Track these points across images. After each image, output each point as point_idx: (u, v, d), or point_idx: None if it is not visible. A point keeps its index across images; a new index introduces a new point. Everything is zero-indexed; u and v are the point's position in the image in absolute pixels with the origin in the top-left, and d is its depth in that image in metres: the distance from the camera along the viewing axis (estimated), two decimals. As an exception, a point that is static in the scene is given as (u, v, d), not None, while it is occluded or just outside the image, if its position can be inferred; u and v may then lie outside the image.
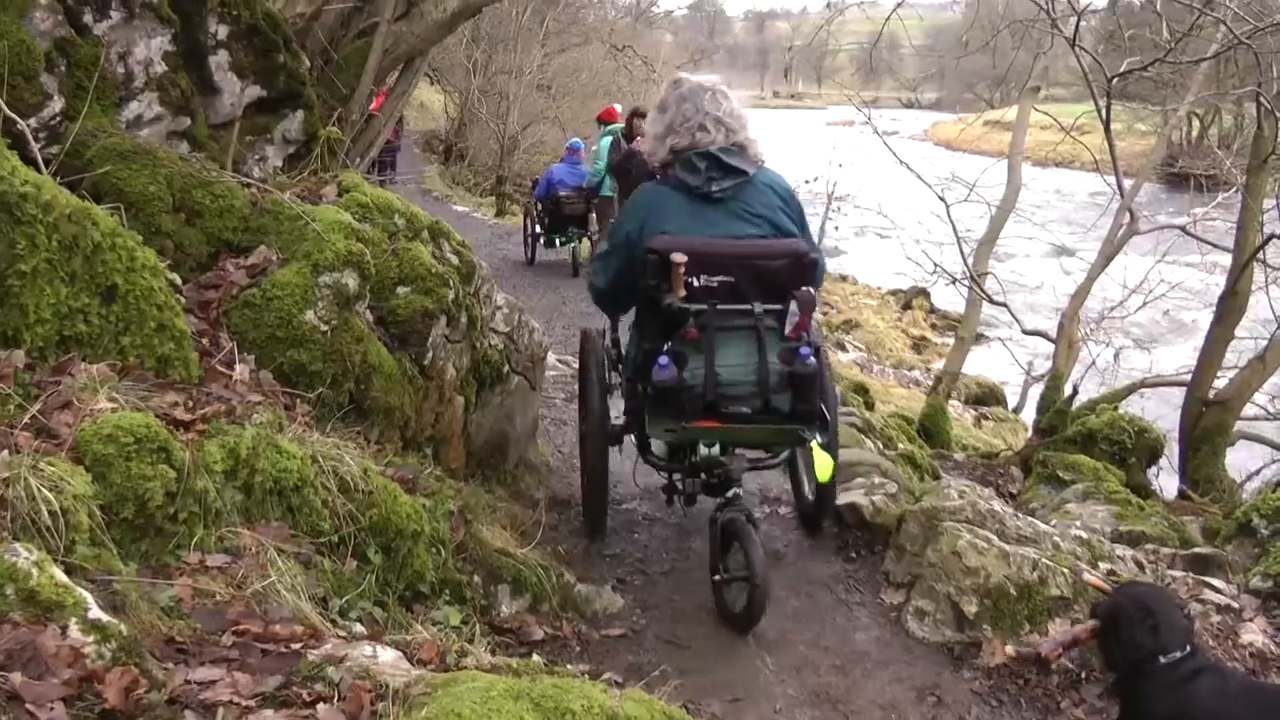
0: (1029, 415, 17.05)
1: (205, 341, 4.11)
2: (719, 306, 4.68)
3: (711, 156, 4.85)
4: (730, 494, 4.99)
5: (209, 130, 5.16)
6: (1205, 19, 10.57)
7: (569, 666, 4.11)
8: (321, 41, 6.57)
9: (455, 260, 5.47)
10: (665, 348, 4.71)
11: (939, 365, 22.85)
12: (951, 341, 23.98)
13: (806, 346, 4.69)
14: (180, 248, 4.39)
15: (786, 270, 4.75)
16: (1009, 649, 4.59)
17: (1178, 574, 6.01)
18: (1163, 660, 3.62)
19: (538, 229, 17.69)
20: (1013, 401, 20.06)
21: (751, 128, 5.08)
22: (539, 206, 17.58)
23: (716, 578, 4.97)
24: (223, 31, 5.18)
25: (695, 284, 4.66)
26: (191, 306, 4.25)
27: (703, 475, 5.11)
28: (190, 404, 3.56)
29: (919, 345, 25.38)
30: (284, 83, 5.56)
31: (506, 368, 6.04)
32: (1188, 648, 3.65)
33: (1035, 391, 16.87)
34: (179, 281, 4.15)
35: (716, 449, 4.93)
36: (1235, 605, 5.63)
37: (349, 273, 4.53)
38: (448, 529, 4.29)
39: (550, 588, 4.68)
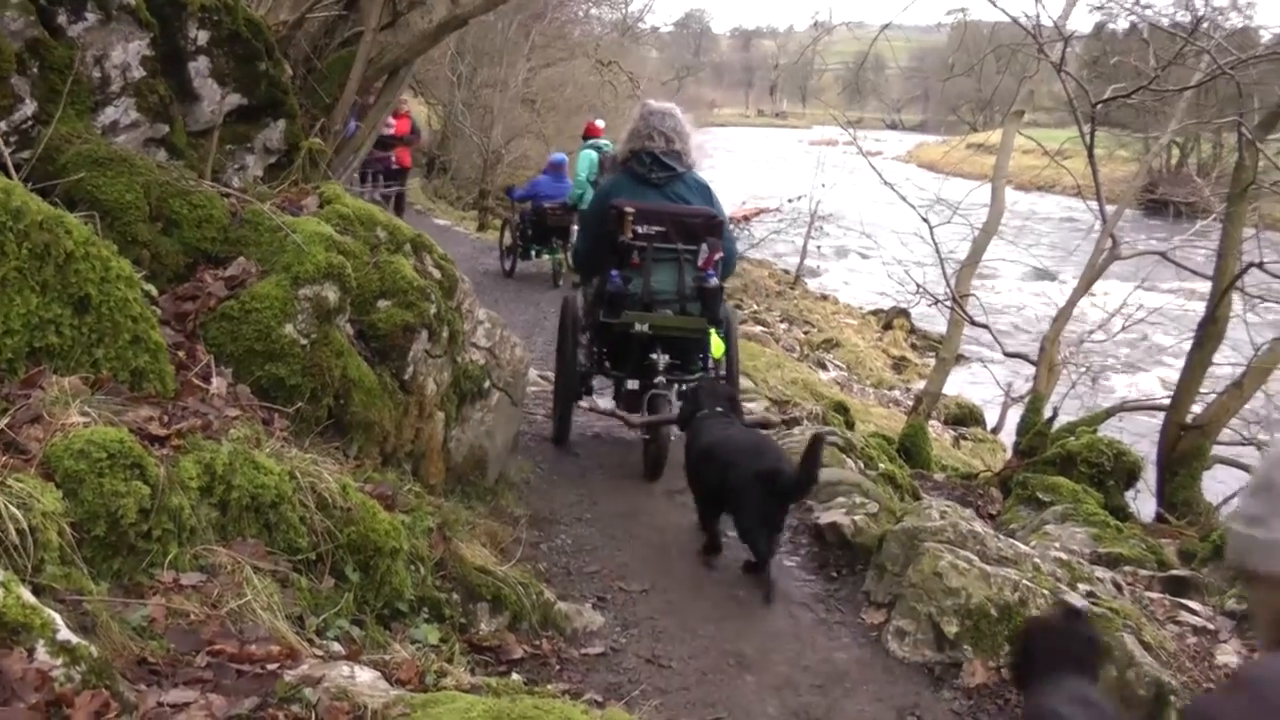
0: (1008, 436, 17.00)
1: (181, 354, 4.04)
2: (655, 245, 7.00)
3: (653, 155, 7.13)
4: (658, 380, 7.10)
5: (188, 138, 5.11)
6: (1189, 48, 10.60)
7: (549, 686, 4.05)
8: (304, 50, 6.52)
9: (437, 274, 5.42)
10: (616, 271, 6.99)
11: (919, 385, 22.81)
12: (932, 362, 23.98)
13: (711, 272, 7.06)
14: (157, 258, 4.33)
15: (701, 225, 7.11)
16: None
17: (1155, 595, 6.02)
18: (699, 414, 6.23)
19: (518, 239, 17.64)
20: (991, 422, 20.07)
21: (691, 141, 7.40)
22: (519, 217, 17.56)
23: (645, 436, 7.28)
24: (203, 37, 5.13)
25: (639, 230, 6.94)
26: (168, 318, 4.20)
27: (638, 361, 7.23)
28: (165, 418, 3.50)
29: (899, 365, 25.33)
30: (265, 91, 5.51)
31: (488, 383, 5.99)
32: (718, 409, 6.24)
33: (1014, 413, 16.84)
34: (155, 293, 4.10)
35: (647, 327, 7.02)
36: (1211, 627, 5.65)
37: (329, 285, 4.47)
38: (427, 546, 4.23)
39: (530, 605, 4.61)
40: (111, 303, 3.55)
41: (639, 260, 6.96)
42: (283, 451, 3.76)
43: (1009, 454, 16.55)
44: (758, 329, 21.58)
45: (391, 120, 18.86)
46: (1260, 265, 9.25)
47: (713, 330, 7.23)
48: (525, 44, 29.65)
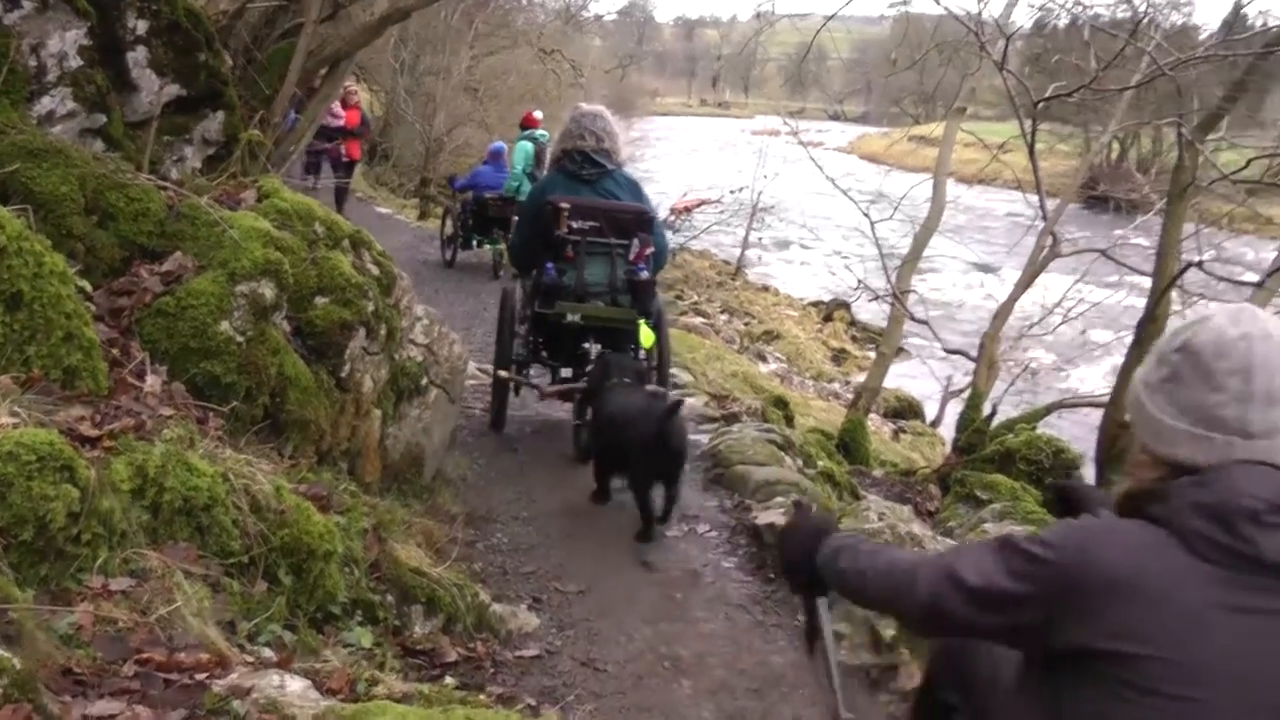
0: (947, 429, 17.13)
1: (116, 351, 3.97)
2: (589, 239, 7.35)
3: (584, 153, 7.47)
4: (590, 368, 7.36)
5: (125, 129, 5.00)
6: (1130, 48, 10.67)
7: (483, 690, 4.04)
8: (245, 40, 6.43)
9: (375, 270, 5.37)
10: (551, 264, 7.37)
11: (859, 378, 22.94)
12: (872, 355, 24.09)
13: (641, 265, 7.37)
14: (92, 251, 4.25)
15: (632, 220, 7.45)
16: None
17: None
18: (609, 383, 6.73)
19: (458, 229, 17.57)
20: (931, 415, 20.18)
21: (620, 140, 7.78)
22: (459, 207, 17.51)
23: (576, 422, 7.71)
24: (142, 27, 5.03)
25: (573, 225, 7.28)
26: (102, 314, 4.13)
27: (571, 350, 7.76)
28: (98, 418, 3.44)
29: (839, 357, 25.43)
30: (204, 82, 5.42)
31: (425, 380, 5.95)
32: (625, 380, 6.78)
33: (954, 407, 16.97)
34: (89, 288, 4.03)
35: (579, 317, 7.38)
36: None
37: (266, 282, 4.42)
38: (361, 547, 4.19)
39: (465, 607, 4.58)
40: (44, 299, 3.48)
41: (573, 254, 7.35)
42: (217, 452, 3.71)
43: (948, 447, 16.68)
44: (698, 320, 21.62)
45: (340, 112, 19.01)
46: (1199, 264, 9.32)
47: (642, 321, 7.44)
48: (468, 32, 29.46)
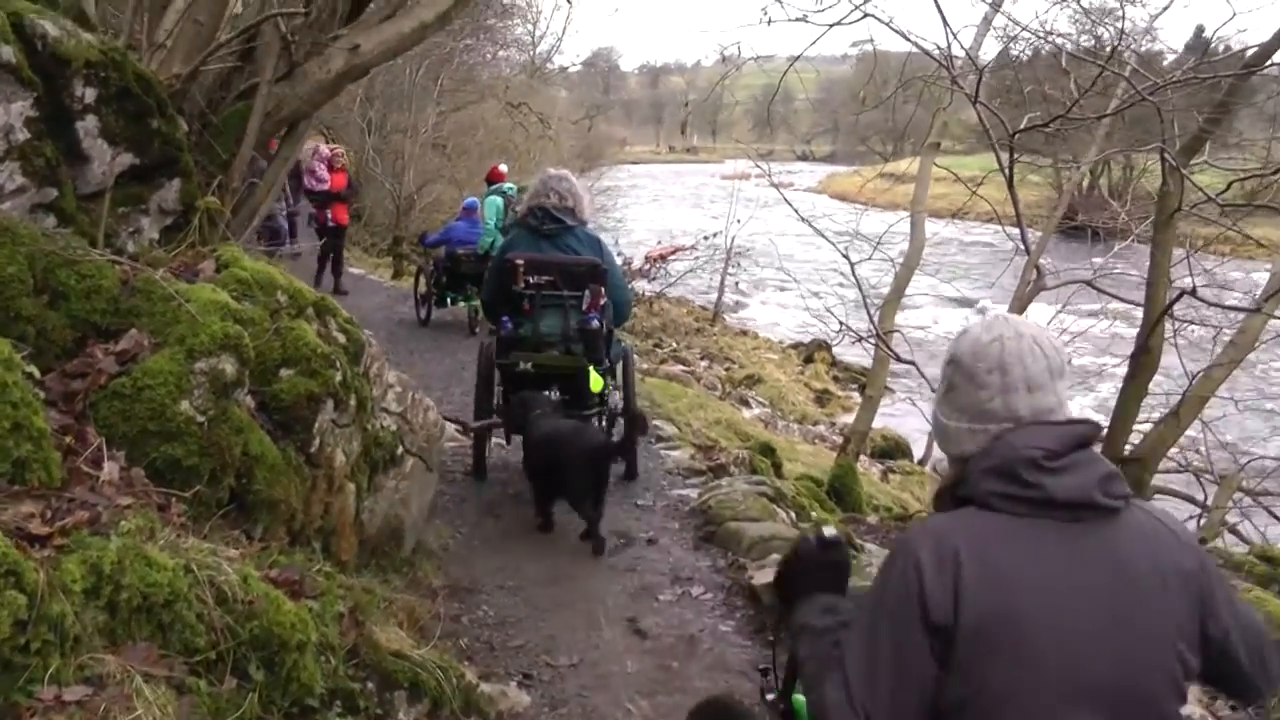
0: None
1: (69, 439, 3.74)
2: (543, 292, 7.85)
3: (545, 210, 7.92)
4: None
5: (78, 201, 4.78)
6: (1106, 75, 10.55)
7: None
8: (199, 104, 6.21)
9: (342, 338, 5.15)
10: (507, 318, 7.98)
11: (843, 419, 22.78)
12: (855, 394, 23.94)
13: (593, 314, 7.80)
14: (42, 334, 4.03)
15: (586, 273, 7.88)
16: None
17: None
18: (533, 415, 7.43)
19: (432, 287, 17.39)
20: (919, 453, 19.99)
21: (583, 198, 8.20)
22: (432, 265, 17.35)
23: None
24: (90, 95, 4.81)
25: (530, 280, 7.80)
26: (55, 399, 3.90)
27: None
28: (49, 514, 3.21)
29: (822, 398, 25.30)
30: (159, 149, 5.20)
31: (400, 449, 5.71)
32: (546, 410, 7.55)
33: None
34: (37, 374, 3.79)
35: (530, 366, 7.95)
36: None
37: (226, 357, 4.20)
38: (337, 633, 3.95)
39: (451, 690, 4.34)
40: (-13, 389, 3.26)
41: (529, 307, 7.92)
42: (178, 542, 3.48)
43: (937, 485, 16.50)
44: (678, 369, 21.45)
45: (325, 175, 18.79)
46: (1193, 293, 9.16)
47: (591, 368, 7.95)
48: (434, 88, 29.40)
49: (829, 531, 2.90)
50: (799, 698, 3.09)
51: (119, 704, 2.82)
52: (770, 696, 3.32)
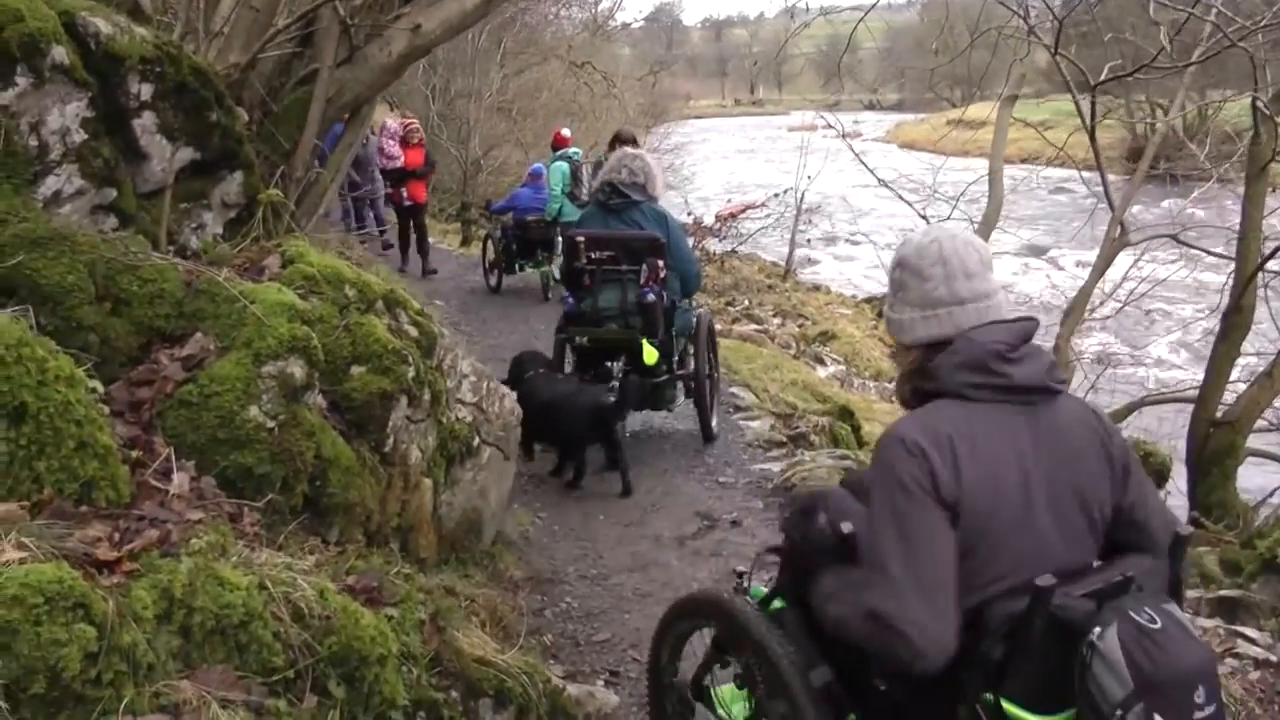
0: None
1: (137, 452, 3.65)
2: (603, 267, 8.20)
3: (613, 186, 8.29)
4: (612, 383, 8.02)
5: (137, 200, 4.70)
6: (1191, 18, 10.21)
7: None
8: (259, 93, 6.11)
9: (414, 331, 5.04)
10: (570, 293, 8.47)
11: (919, 374, 22.41)
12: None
13: (649, 288, 8.08)
14: (106, 342, 3.95)
15: (645, 248, 8.14)
16: None
17: (1208, 624, 5.62)
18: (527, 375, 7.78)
19: (500, 254, 17.29)
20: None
21: (655, 175, 8.51)
22: (499, 231, 17.33)
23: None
24: (146, 91, 4.72)
25: (591, 255, 8.20)
26: (121, 409, 3.82)
27: (596, 366, 8.36)
28: (117, 536, 3.12)
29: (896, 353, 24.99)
30: (219, 142, 5.10)
31: (477, 440, 5.60)
32: (540, 370, 7.93)
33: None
34: (101, 388, 3.70)
35: (585, 340, 8.33)
36: (1274, 658, 5.25)
37: (295, 360, 4.10)
38: (419, 641, 3.85)
39: (536, 695, 4.23)
40: (51, 408, 3.16)
41: (590, 282, 8.30)
42: (251, 557, 3.39)
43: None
44: (751, 328, 21.19)
45: (397, 150, 18.09)
46: (1290, 248, 8.82)
47: (645, 341, 8.16)
48: (497, 51, 29.27)
49: (847, 528, 3.27)
50: (758, 587, 3.81)
51: (196, 732, 2.73)
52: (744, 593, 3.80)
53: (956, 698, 2.87)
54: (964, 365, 2.97)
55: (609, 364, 8.25)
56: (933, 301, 3.08)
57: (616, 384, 7.97)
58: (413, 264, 18.51)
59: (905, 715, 3.13)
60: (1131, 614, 2.64)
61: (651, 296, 8.12)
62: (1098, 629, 2.64)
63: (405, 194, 17.95)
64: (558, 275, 17.02)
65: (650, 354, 8.17)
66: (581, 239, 8.22)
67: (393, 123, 19.08)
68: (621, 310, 8.27)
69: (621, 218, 8.31)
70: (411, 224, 18.52)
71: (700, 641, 4.04)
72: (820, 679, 3.30)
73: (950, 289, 3.06)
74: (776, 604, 3.67)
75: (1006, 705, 2.74)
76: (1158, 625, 2.62)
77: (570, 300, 8.47)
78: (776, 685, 3.40)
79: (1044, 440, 2.96)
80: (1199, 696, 2.59)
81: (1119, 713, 2.58)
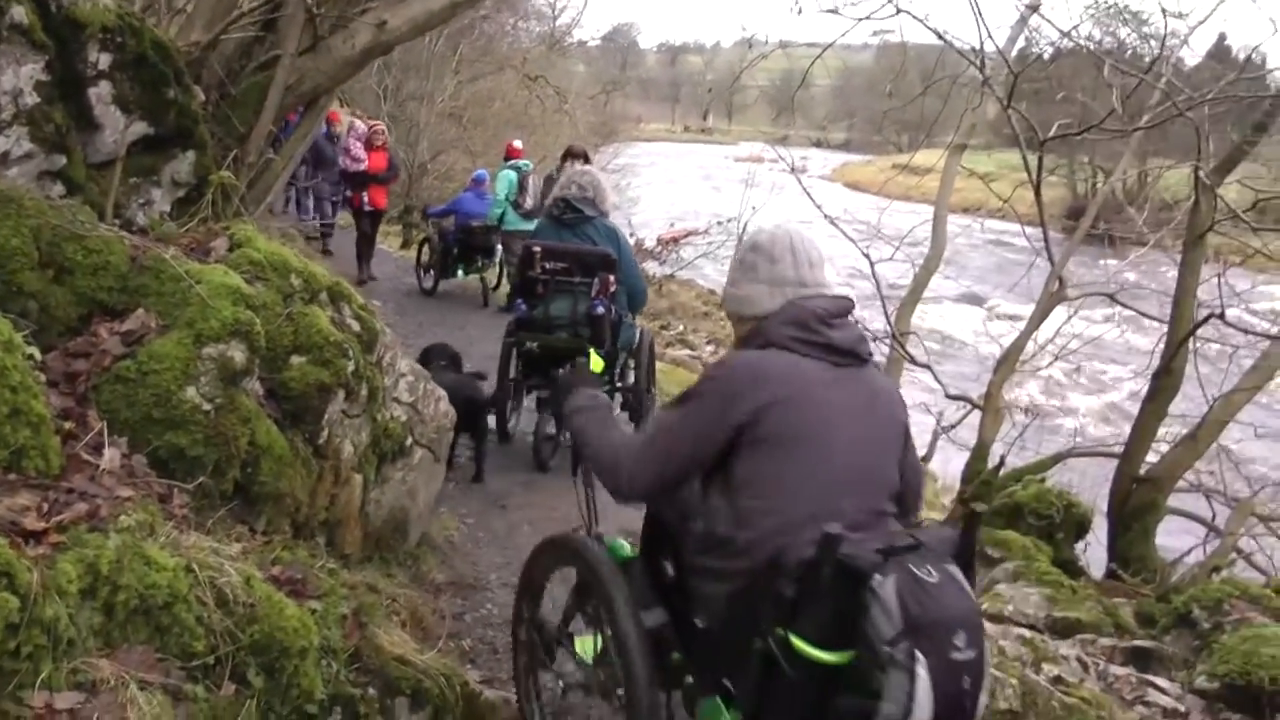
0: (937, 465, 16.79)
1: (70, 424, 3.59)
2: (557, 278, 8.42)
3: (567, 201, 8.60)
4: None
5: (87, 170, 4.64)
6: (1141, 84, 10.34)
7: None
8: (218, 74, 6.04)
9: (356, 326, 5.00)
10: (523, 300, 8.65)
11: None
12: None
13: (599, 300, 8.38)
14: (46, 309, 3.89)
15: (598, 262, 8.43)
16: None
17: (1120, 671, 5.70)
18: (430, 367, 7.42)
19: (438, 257, 17.27)
20: (921, 451, 19.83)
21: (604, 191, 8.85)
22: (438, 235, 17.38)
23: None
24: (105, 61, 4.66)
25: (546, 266, 8.42)
26: (56, 379, 3.76)
27: (544, 373, 8.78)
28: (45, 507, 3.07)
29: (829, 389, 25.13)
30: (174, 119, 5.05)
31: (410, 440, 5.56)
32: (442, 363, 8.18)
33: (944, 445, 16.61)
34: (38, 355, 3.64)
35: (536, 346, 8.60)
36: (1181, 708, 5.36)
37: (236, 344, 4.06)
38: (340, 636, 3.80)
39: (454, 698, 4.20)
40: (-14, 372, 3.11)
41: (543, 291, 8.51)
42: (179, 539, 3.34)
43: (939, 483, 16.32)
44: (684, 353, 21.25)
45: (362, 154, 17.25)
46: (1221, 316, 8.92)
47: (592, 350, 8.28)
48: (453, 58, 29.22)
49: (596, 365, 4.88)
50: (619, 541, 4.19)
51: (112, 711, 2.70)
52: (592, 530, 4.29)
53: (755, 631, 3.16)
54: (790, 322, 3.51)
55: (558, 371, 8.38)
56: (781, 280, 3.61)
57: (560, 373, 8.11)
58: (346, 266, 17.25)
59: (719, 650, 3.50)
60: (912, 567, 2.95)
61: (601, 309, 8.42)
62: (879, 576, 2.93)
63: (366, 199, 17.25)
64: (495, 282, 17.19)
65: (597, 363, 8.02)
66: (538, 249, 8.46)
67: (361, 125, 18.44)
68: (572, 320, 8.52)
69: (575, 232, 8.61)
70: (367, 230, 17.74)
71: (565, 590, 4.40)
72: (653, 620, 3.71)
73: (797, 272, 3.61)
74: (627, 553, 4.09)
75: (795, 640, 3.02)
76: (933, 579, 2.95)
77: (523, 307, 8.68)
78: (613, 623, 3.77)
79: (851, 397, 3.46)
80: (958, 640, 2.92)
81: (888, 649, 2.87)
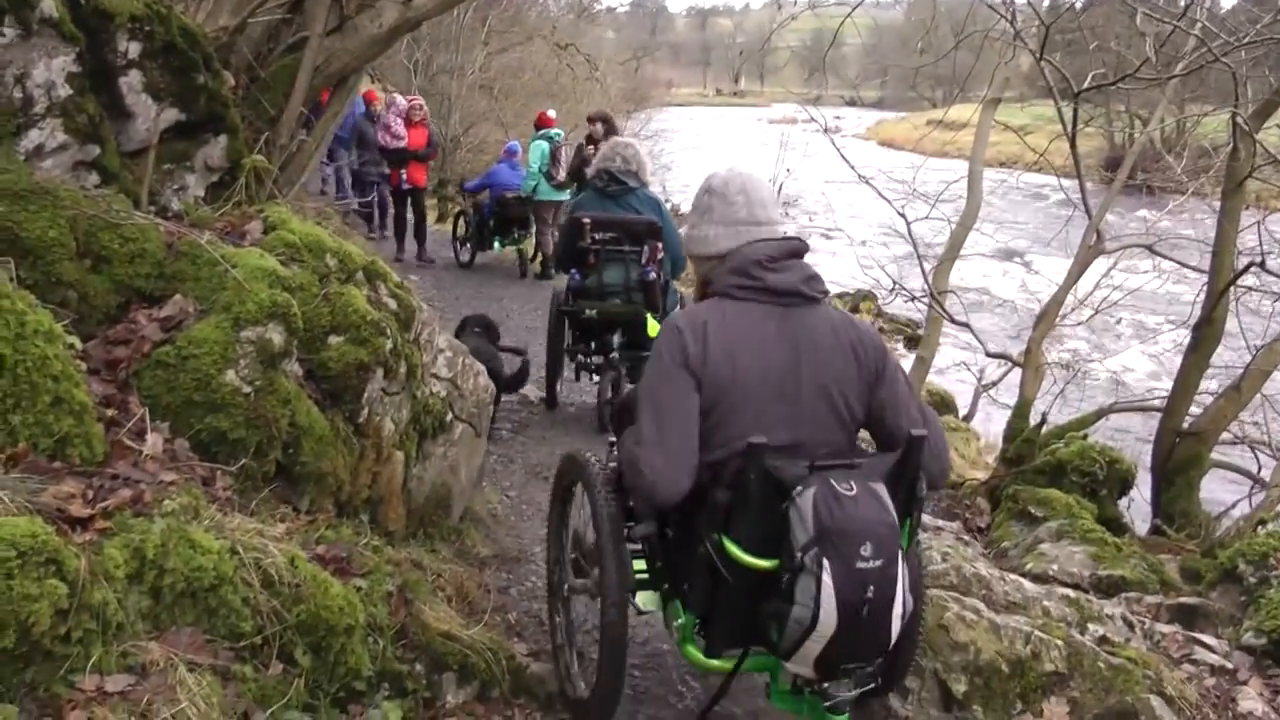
0: (979, 423, 16.71)
1: (112, 411, 3.64)
2: (607, 247, 8.79)
3: (610, 173, 8.92)
4: (612, 355, 8.90)
5: (120, 159, 4.66)
6: (1175, 31, 10.23)
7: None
8: (246, 58, 6.06)
9: (393, 304, 5.02)
10: (576, 270, 8.96)
11: (888, 372, 22.39)
12: (900, 346, 23.67)
13: (649, 267, 8.79)
14: (85, 299, 3.93)
15: (645, 230, 8.80)
16: None
17: (1166, 629, 5.65)
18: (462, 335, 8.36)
19: (474, 230, 17.53)
20: (963, 409, 19.72)
21: (645, 163, 9.22)
22: (472, 208, 17.48)
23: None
24: (134, 49, 4.68)
25: (596, 237, 8.73)
26: (97, 367, 3.80)
27: (598, 339, 9.23)
28: (90, 493, 3.12)
29: (868, 350, 25.03)
30: (204, 105, 5.07)
31: (450, 416, 5.59)
32: (475, 331, 8.68)
33: (985, 403, 16.52)
34: (79, 344, 3.69)
35: (595, 313, 8.91)
36: (1229, 665, 5.28)
37: (274, 326, 4.08)
38: (386, 612, 3.85)
39: (500, 671, 4.24)
40: (29, 362, 3.15)
41: (594, 260, 8.84)
42: (223, 521, 3.38)
43: (981, 442, 16.25)
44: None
45: (402, 131, 16.90)
46: (1262, 265, 8.83)
47: (649, 315, 8.90)
48: (481, 30, 29.15)
49: (653, 329, 6.23)
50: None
51: (162, 693, 2.74)
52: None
53: (699, 538, 3.53)
54: (732, 271, 3.78)
55: (609, 336, 9.02)
56: (736, 220, 3.86)
57: (616, 358, 8.92)
58: (408, 251, 17.69)
59: (679, 557, 3.93)
60: (833, 482, 3.25)
61: (653, 275, 8.84)
62: (799, 488, 3.27)
63: (405, 176, 16.96)
64: (532, 253, 17.18)
65: (653, 327, 8.80)
66: (587, 220, 8.75)
67: (401, 100, 17.76)
68: (625, 287, 8.93)
69: (619, 203, 8.96)
70: (410, 207, 17.51)
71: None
72: (642, 531, 4.04)
73: (751, 212, 3.86)
74: None
75: (727, 543, 3.39)
76: (852, 493, 3.23)
77: (576, 276, 8.99)
78: (600, 529, 4.15)
79: (790, 335, 3.68)
80: (865, 550, 3.17)
81: (800, 555, 3.20)
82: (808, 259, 3.87)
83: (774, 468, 3.34)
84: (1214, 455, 9.84)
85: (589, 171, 9.72)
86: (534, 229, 17.26)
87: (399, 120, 17.01)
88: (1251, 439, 10.73)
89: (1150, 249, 11.95)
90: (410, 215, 17.58)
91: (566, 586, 4.72)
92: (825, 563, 3.15)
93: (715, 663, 3.76)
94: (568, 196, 15.29)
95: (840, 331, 3.74)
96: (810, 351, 3.67)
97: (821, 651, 3.26)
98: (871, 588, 3.18)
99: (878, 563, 3.18)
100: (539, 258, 17.45)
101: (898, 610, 3.29)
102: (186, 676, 2.83)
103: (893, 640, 3.35)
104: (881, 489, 3.33)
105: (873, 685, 3.62)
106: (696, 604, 3.72)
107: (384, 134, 17.11)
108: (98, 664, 2.70)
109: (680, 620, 3.90)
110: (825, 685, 3.53)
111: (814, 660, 3.31)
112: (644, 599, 4.28)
